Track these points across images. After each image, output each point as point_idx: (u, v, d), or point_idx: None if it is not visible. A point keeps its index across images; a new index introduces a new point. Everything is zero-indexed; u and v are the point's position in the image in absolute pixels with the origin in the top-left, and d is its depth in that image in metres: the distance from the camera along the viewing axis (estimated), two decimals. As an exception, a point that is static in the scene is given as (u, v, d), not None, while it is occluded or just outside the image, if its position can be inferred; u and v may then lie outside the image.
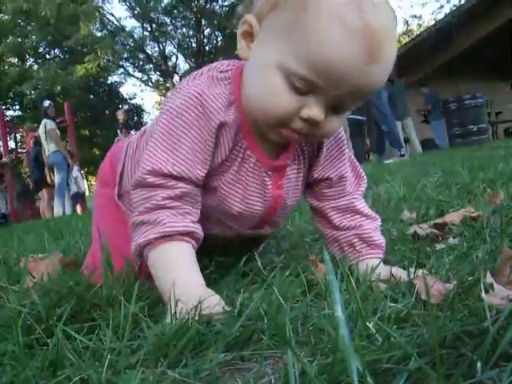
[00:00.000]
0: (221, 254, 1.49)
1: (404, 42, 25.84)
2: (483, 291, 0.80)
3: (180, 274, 1.12)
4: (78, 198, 13.47)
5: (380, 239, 1.41)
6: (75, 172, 13.16)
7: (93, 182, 40.88)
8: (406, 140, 15.07)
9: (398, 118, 13.33)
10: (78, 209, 13.76)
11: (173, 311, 0.99)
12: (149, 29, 32.17)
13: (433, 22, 23.96)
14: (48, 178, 12.46)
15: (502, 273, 1.00)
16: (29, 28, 31.00)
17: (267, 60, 1.13)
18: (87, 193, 15.05)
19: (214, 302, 1.02)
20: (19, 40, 30.72)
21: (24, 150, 17.92)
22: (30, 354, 0.94)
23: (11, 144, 17.15)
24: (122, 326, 0.96)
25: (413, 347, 0.71)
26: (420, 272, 1.16)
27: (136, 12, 31.18)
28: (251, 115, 1.23)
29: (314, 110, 1.12)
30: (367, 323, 0.79)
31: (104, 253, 1.26)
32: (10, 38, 31.04)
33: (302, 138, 1.24)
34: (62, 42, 30.17)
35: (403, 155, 10.52)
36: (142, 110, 38.83)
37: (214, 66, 1.32)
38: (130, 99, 37.97)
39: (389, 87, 10.70)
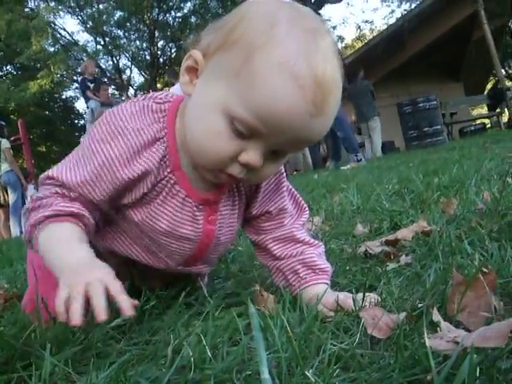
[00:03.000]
0: (162, 286, 1.41)
1: (357, 47, 26.12)
2: (426, 337, 0.73)
3: (68, 248, 1.09)
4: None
5: (324, 264, 1.35)
6: (30, 191, 12.94)
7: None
8: (362, 145, 15.23)
9: (363, 120, 13.45)
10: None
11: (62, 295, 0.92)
12: (102, 42, 31.91)
13: (385, 27, 24.29)
14: (2, 198, 12.21)
15: (452, 299, 0.94)
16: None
17: (211, 101, 1.08)
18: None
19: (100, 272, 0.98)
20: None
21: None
22: None
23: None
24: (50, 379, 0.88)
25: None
26: (368, 300, 1.10)
27: (88, 26, 30.88)
28: (188, 154, 1.18)
29: (252, 155, 1.08)
30: (306, 372, 0.72)
31: (36, 300, 1.19)
32: (-40, 55, 30.47)
33: (237, 181, 1.21)
34: (14, 58, 29.70)
35: (360, 160, 10.56)
36: (99, 125, 38.46)
37: (151, 95, 1.26)
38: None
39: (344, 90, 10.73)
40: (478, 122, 18.55)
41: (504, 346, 0.68)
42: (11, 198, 11.79)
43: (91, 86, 11.83)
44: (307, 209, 1.45)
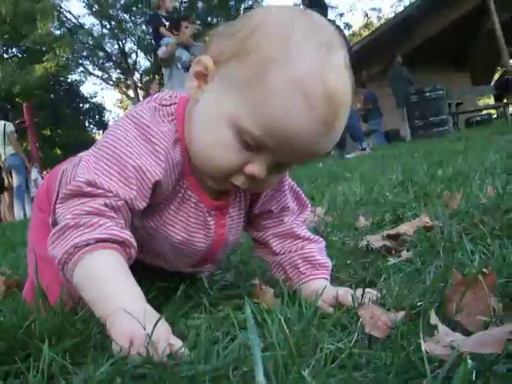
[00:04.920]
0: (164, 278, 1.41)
1: (364, 35, 26.00)
2: (422, 342, 0.73)
3: (123, 290, 0.99)
4: (39, 200, 13.28)
5: (324, 259, 1.35)
6: (34, 174, 12.98)
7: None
8: (368, 133, 15.22)
9: (399, 105, 13.42)
10: (40, 211, 13.58)
11: (117, 347, 0.86)
12: (108, 26, 31.85)
13: (392, 15, 24.18)
14: (6, 181, 12.24)
15: (451, 299, 0.94)
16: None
17: (220, 111, 1.07)
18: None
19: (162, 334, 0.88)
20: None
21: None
22: None
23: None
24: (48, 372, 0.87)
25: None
26: (367, 297, 1.09)
27: (95, 9, 30.82)
28: (194, 161, 1.17)
29: (258, 167, 1.08)
30: (302, 371, 0.72)
31: (36, 290, 1.16)
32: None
33: (239, 190, 1.22)
34: (20, 41, 29.67)
35: (364, 149, 10.55)
36: (104, 109, 38.49)
37: (156, 96, 1.24)
38: (91, 98, 37.58)
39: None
40: (485, 112, 18.49)
41: (500, 351, 0.68)
42: (15, 181, 11.83)
43: (167, 24, 9.68)
44: (309, 206, 1.45)
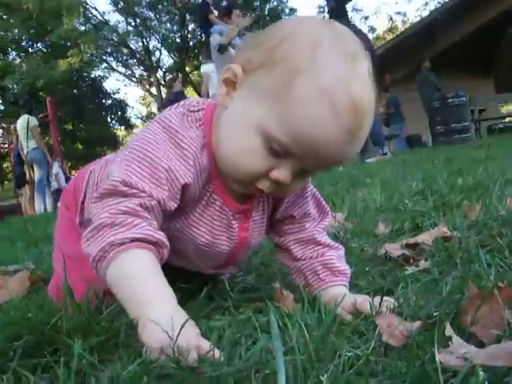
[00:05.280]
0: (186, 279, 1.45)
1: (388, 38, 25.92)
2: (436, 353, 0.76)
3: (154, 290, 1.03)
4: (59, 195, 13.41)
5: (343, 266, 1.38)
6: (56, 169, 13.10)
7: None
8: (389, 137, 15.18)
9: (427, 109, 13.39)
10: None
11: (147, 350, 0.91)
12: (133, 23, 32.02)
13: (418, 19, 24.08)
14: (27, 174, 12.38)
15: (467, 311, 0.97)
16: (11, 21, 30.66)
17: (249, 118, 1.11)
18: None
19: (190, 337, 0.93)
20: (1, 33, 30.40)
21: (5, 145, 17.82)
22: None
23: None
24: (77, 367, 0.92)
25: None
26: (384, 305, 1.12)
27: (120, 6, 31.00)
28: (221, 165, 1.21)
29: (283, 173, 1.12)
30: (320, 377, 0.75)
31: (65, 288, 1.20)
32: (-8, 31, 30.75)
33: (263, 194, 1.26)
34: (45, 36, 29.93)
35: (385, 153, 10.54)
36: (126, 105, 38.67)
37: (183, 103, 1.27)
38: (114, 94, 37.80)
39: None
40: (508, 119, 18.35)
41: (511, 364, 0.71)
42: (37, 175, 11.98)
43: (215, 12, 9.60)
44: (330, 213, 1.48)
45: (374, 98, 1.10)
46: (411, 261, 1.56)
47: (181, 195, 1.17)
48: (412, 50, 17.23)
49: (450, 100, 12.27)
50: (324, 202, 1.47)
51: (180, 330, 0.90)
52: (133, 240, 1.05)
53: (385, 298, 1.18)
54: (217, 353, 0.89)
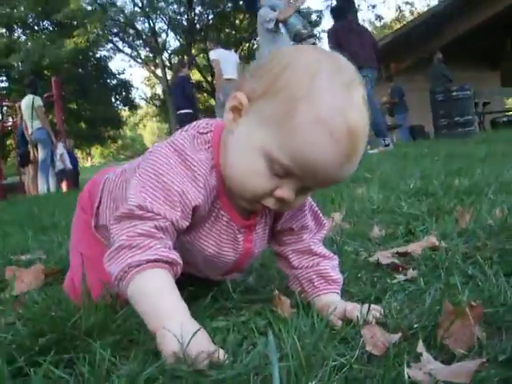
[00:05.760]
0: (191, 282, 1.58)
1: (395, 28, 25.87)
2: (405, 368, 0.89)
3: (170, 306, 1.15)
4: (65, 174, 13.51)
5: (337, 276, 1.50)
6: (61, 149, 13.17)
7: (79, 155, 40.86)
8: (392, 127, 15.27)
9: None
10: (64, 186, 13.82)
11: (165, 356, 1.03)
12: (140, 4, 31.98)
13: (425, 9, 24.02)
14: (31, 154, 12.45)
15: (442, 325, 1.09)
16: (17, -1, 30.70)
17: (254, 143, 1.21)
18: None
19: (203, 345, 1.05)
20: (7, 10, 30.37)
21: (9, 122, 17.90)
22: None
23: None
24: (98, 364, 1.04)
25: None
26: (371, 314, 1.25)
27: (127, -13, 30.99)
28: (228, 184, 1.31)
29: (286, 191, 1.22)
30: (309, 382, 0.88)
31: (83, 288, 1.33)
32: (-2, 8, 30.73)
33: (267, 210, 1.35)
34: (52, 15, 29.90)
35: (388, 145, 10.59)
36: (131, 86, 38.76)
37: (194, 125, 1.39)
38: (119, 74, 37.89)
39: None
40: (512, 113, 18.41)
41: (468, 382, 0.84)
42: (41, 154, 12.00)
43: None
44: (326, 225, 1.59)
45: (367, 123, 1.20)
46: (400, 269, 1.67)
47: (192, 214, 1.29)
48: (418, 41, 17.26)
49: (455, 93, 12.34)
50: (321, 215, 1.57)
51: (191, 338, 1.02)
52: (148, 262, 1.16)
53: (373, 306, 1.30)
54: (222, 355, 1.01)
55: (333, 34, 10.01)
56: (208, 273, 1.52)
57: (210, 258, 1.42)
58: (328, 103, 1.14)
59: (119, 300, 1.34)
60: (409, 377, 0.88)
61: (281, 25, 8.42)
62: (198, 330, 1.06)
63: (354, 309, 1.31)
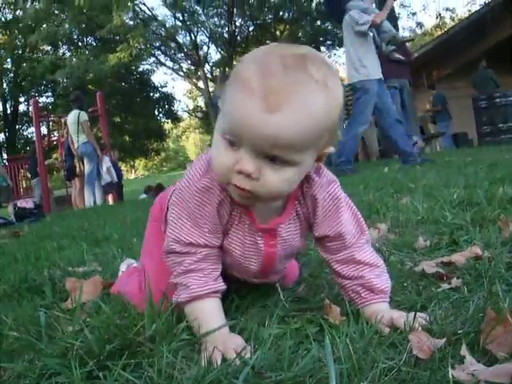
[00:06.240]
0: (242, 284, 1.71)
1: (436, 35, 25.66)
2: (450, 369, 0.97)
3: (208, 325, 1.38)
4: (112, 187, 13.77)
5: (382, 284, 1.54)
6: (107, 162, 13.41)
7: (123, 168, 41.48)
8: (435, 135, 15.17)
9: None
10: (110, 198, 14.09)
11: (207, 355, 1.21)
12: (181, 18, 32.38)
13: (466, 15, 23.79)
14: (77, 168, 12.72)
15: (486, 330, 1.16)
16: (63, 16, 31.42)
17: (216, 130, 1.37)
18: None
19: (237, 342, 1.29)
20: (53, 28, 31.12)
21: (55, 137, 18.31)
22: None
23: (43, 130, 17.44)
24: (164, 368, 1.16)
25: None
26: (417, 321, 1.32)
27: (168, 1, 31.35)
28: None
29: (244, 162, 1.28)
30: (361, 383, 0.96)
31: (148, 299, 1.49)
32: (44, 26, 31.49)
33: (249, 196, 1.34)
34: (95, 31, 30.51)
35: (416, 142, 10.43)
36: (173, 98, 39.15)
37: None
38: (161, 87, 38.35)
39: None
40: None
41: (508, 382, 0.92)
42: (87, 168, 12.24)
43: None
44: (367, 230, 1.62)
45: (289, 81, 1.21)
46: (445, 278, 1.73)
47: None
48: (460, 47, 17.09)
49: (498, 100, 12.23)
50: (362, 219, 1.61)
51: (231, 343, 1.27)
52: (196, 298, 1.44)
53: (418, 314, 1.37)
54: (248, 352, 1.23)
55: None
56: (243, 275, 1.65)
57: (237, 259, 1.56)
58: (252, 68, 1.25)
59: (178, 310, 1.50)
60: (453, 377, 0.96)
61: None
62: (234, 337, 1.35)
63: (400, 317, 1.38)
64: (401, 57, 9.68)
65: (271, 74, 1.21)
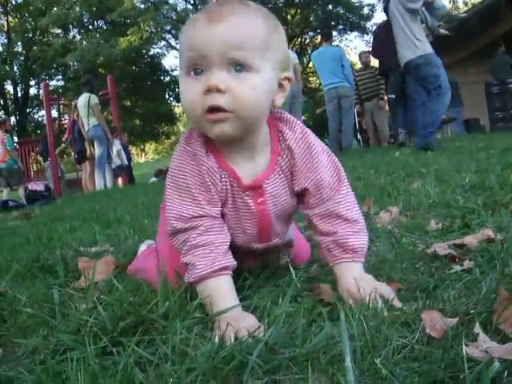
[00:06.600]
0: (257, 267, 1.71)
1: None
2: (464, 347, 0.98)
3: (219, 304, 1.39)
4: (122, 170, 13.80)
5: (357, 243, 1.55)
6: (117, 145, 13.43)
7: (133, 151, 41.54)
8: (447, 121, 15.06)
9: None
10: (120, 181, 14.13)
11: (220, 333, 1.21)
12: (192, 1, 32.27)
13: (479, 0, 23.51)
14: (88, 151, 12.73)
15: (498, 310, 1.16)
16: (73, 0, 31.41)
17: (180, 74, 1.45)
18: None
19: (250, 322, 1.29)
20: (64, 11, 31.11)
21: (66, 121, 18.34)
22: (101, 366, 1.14)
23: (54, 113, 17.52)
24: (178, 345, 1.18)
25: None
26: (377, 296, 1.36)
27: (179, -16, 31.33)
28: (192, 126, 1.52)
29: (210, 79, 1.35)
30: (375, 359, 0.97)
31: (162, 277, 1.51)
32: (55, 9, 31.49)
33: (224, 118, 1.38)
34: (106, 14, 30.50)
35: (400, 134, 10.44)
36: (184, 82, 39.00)
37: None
38: (172, 71, 38.26)
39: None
40: None
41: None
42: (97, 151, 12.25)
43: None
44: (346, 181, 1.61)
45: (236, 13, 1.38)
46: (457, 260, 1.73)
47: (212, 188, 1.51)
48: (472, 32, 16.92)
49: (510, 85, 12.14)
50: (342, 170, 1.60)
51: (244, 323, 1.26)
52: (206, 276, 1.45)
53: (383, 288, 1.43)
54: (261, 332, 1.21)
55: (377, 30, 9.91)
56: (246, 243, 1.65)
57: (234, 222, 1.59)
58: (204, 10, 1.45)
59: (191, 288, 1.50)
60: (467, 354, 0.96)
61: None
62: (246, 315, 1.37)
63: (354, 286, 1.44)
64: (447, 32, 9.60)
65: (212, 5, 1.41)
